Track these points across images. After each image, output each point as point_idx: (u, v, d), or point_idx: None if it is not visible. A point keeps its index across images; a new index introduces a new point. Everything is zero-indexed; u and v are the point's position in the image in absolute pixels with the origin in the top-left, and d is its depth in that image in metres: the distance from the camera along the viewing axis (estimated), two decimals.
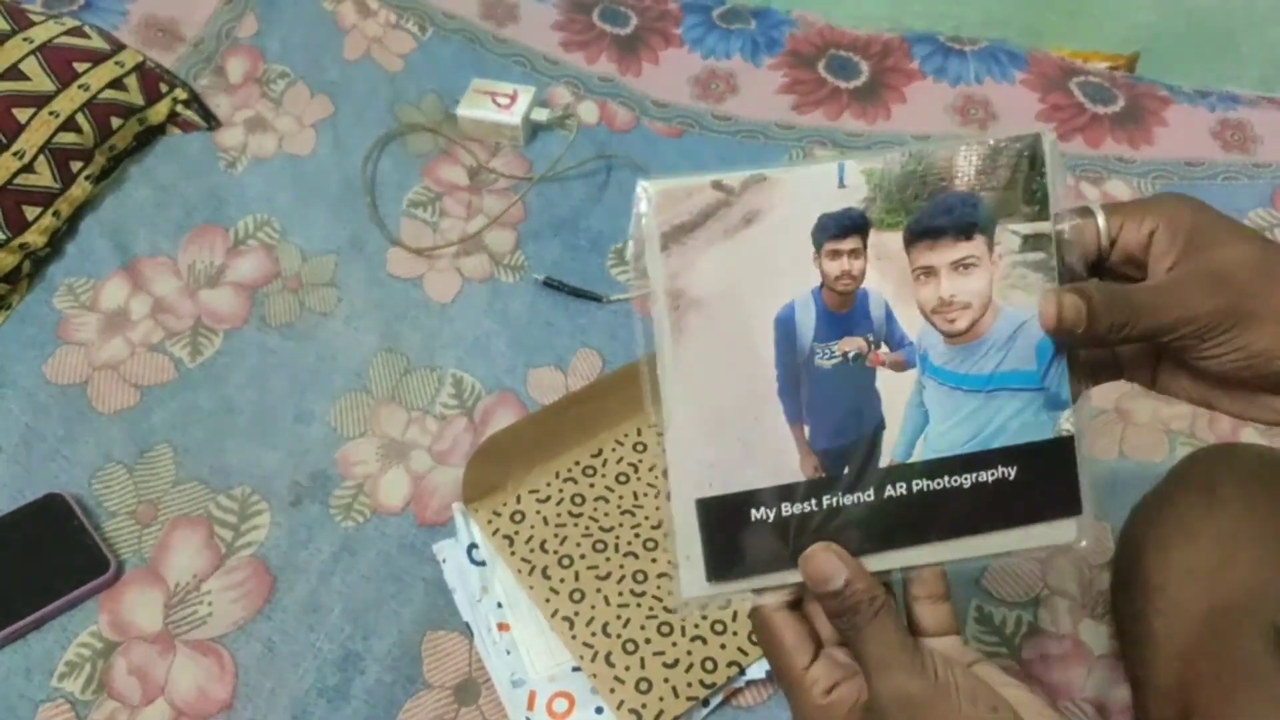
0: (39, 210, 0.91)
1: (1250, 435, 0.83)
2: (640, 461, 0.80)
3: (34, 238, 0.91)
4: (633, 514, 0.77)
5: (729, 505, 0.42)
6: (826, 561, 0.41)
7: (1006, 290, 0.42)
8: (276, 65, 1.11)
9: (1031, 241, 0.42)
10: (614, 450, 0.81)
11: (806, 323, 0.41)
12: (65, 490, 0.78)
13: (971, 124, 1.11)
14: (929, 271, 0.42)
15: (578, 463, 0.80)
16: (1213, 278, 0.41)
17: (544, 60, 1.15)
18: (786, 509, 0.42)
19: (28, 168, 0.91)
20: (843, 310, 0.42)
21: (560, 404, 0.83)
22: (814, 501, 0.42)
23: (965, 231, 0.42)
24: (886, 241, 0.42)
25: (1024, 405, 0.43)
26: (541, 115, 1.07)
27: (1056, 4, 1.44)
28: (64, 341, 0.88)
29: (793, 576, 0.42)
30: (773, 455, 0.42)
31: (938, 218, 0.42)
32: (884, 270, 0.42)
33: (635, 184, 0.41)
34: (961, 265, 0.42)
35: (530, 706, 0.68)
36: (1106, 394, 0.87)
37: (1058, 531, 0.44)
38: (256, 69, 1.11)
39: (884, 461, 0.42)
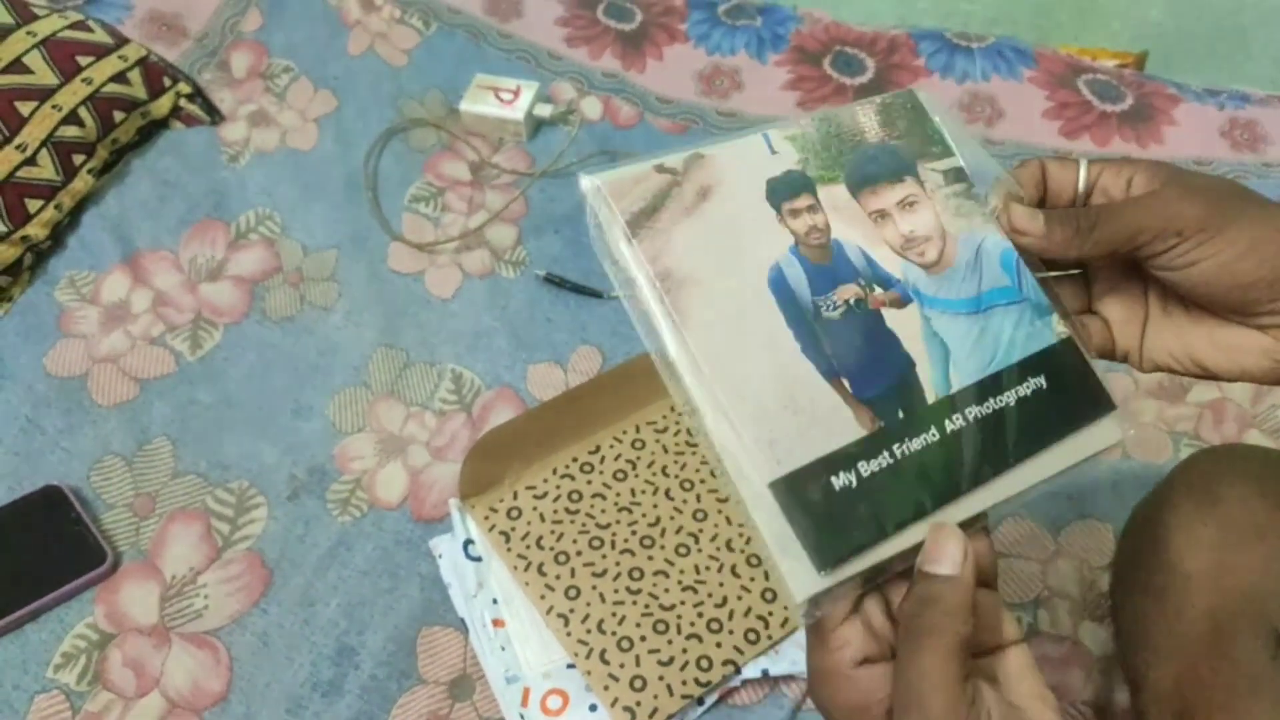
0: (41, 203, 0.92)
1: (1254, 437, 0.83)
2: (638, 459, 0.80)
3: (36, 230, 0.91)
4: (630, 511, 0.77)
5: (807, 480, 0.38)
6: (940, 545, 0.37)
7: (951, 219, 0.44)
8: (280, 60, 1.11)
9: (951, 175, 0.45)
10: (612, 447, 0.80)
11: (798, 279, 0.41)
12: (64, 482, 0.78)
13: (977, 121, 1.10)
14: (882, 214, 0.43)
15: (575, 459, 0.79)
16: (1191, 190, 0.43)
17: (548, 56, 1.15)
18: (865, 468, 0.39)
19: (30, 161, 0.91)
20: (825, 262, 0.42)
21: (559, 400, 0.83)
22: (886, 454, 0.39)
23: (896, 175, 0.44)
24: (834, 194, 0.43)
25: (1018, 317, 0.44)
26: (544, 111, 1.07)
27: (1065, 1, 1.43)
28: (64, 334, 0.88)
29: (900, 544, 0.38)
30: (826, 416, 0.39)
31: (867, 166, 0.44)
32: (845, 219, 0.43)
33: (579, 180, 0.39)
34: (906, 204, 0.44)
35: (524, 703, 0.68)
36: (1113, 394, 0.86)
37: (1103, 433, 0.44)
38: (260, 64, 1.11)
39: (930, 398, 0.41)
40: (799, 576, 0.37)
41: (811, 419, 0.39)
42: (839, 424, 0.39)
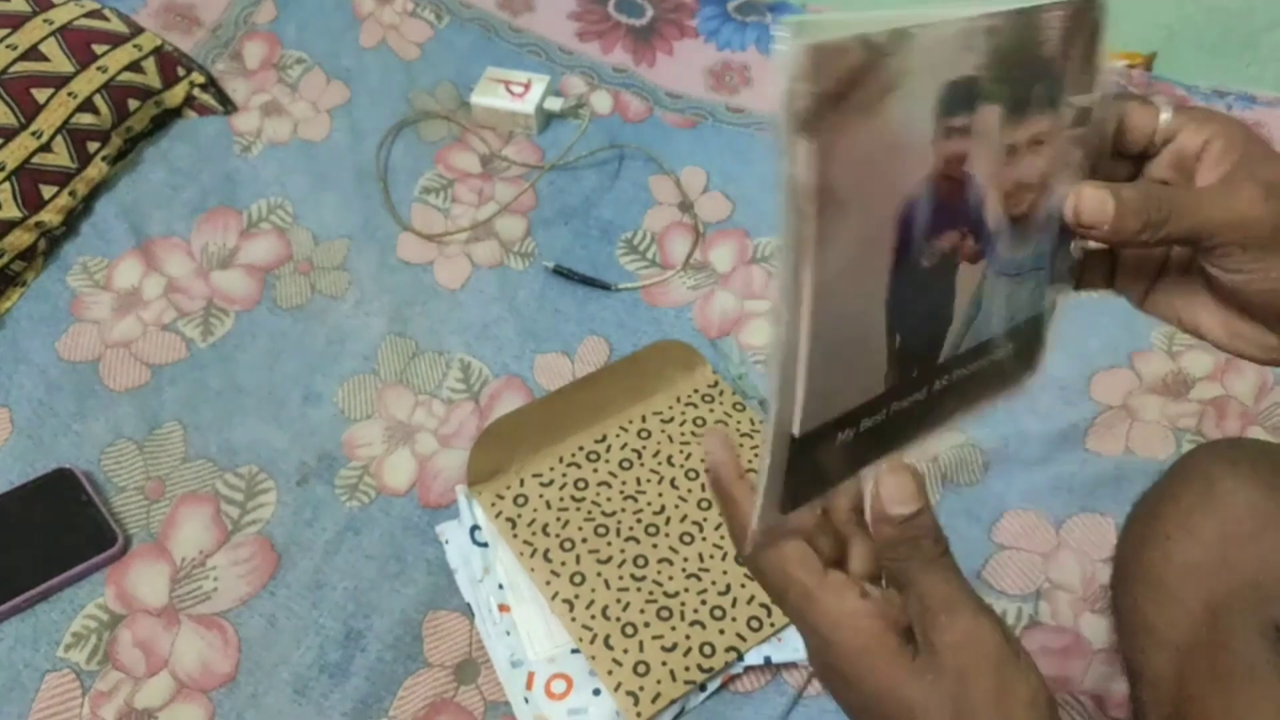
0: (55, 189, 0.93)
1: (1257, 434, 0.83)
2: (644, 448, 0.80)
3: (50, 216, 0.92)
4: (635, 499, 0.77)
5: (824, 435, 0.36)
6: (901, 485, 0.37)
7: (1059, 168, 0.39)
8: (293, 51, 1.12)
9: (1080, 115, 0.39)
10: (618, 436, 0.81)
11: (923, 219, 0.35)
12: (75, 465, 0.79)
13: None
14: (1013, 150, 0.37)
15: (581, 448, 0.80)
16: (1269, 188, 0.40)
17: (559, 50, 1.16)
18: (865, 423, 0.37)
19: (45, 147, 0.92)
20: (951, 199, 0.36)
21: (566, 390, 0.84)
22: (885, 411, 0.37)
23: (1049, 103, 0.38)
24: (985, 117, 0.36)
25: (1034, 284, 0.42)
26: (555, 104, 1.07)
27: None
28: (77, 319, 0.89)
29: (853, 484, 0.38)
30: (866, 371, 0.36)
31: (1027, 88, 0.37)
32: (984, 149, 0.36)
33: (777, 28, 0.32)
34: (1035, 142, 0.38)
35: (529, 687, 0.69)
36: (1114, 391, 0.86)
37: (1016, 388, 0.44)
38: (273, 55, 1.12)
39: (940, 358, 0.39)
40: (764, 511, 0.36)
41: (855, 372, 0.36)
42: (870, 380, 0.37)
